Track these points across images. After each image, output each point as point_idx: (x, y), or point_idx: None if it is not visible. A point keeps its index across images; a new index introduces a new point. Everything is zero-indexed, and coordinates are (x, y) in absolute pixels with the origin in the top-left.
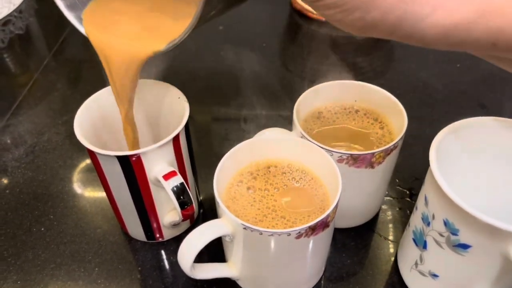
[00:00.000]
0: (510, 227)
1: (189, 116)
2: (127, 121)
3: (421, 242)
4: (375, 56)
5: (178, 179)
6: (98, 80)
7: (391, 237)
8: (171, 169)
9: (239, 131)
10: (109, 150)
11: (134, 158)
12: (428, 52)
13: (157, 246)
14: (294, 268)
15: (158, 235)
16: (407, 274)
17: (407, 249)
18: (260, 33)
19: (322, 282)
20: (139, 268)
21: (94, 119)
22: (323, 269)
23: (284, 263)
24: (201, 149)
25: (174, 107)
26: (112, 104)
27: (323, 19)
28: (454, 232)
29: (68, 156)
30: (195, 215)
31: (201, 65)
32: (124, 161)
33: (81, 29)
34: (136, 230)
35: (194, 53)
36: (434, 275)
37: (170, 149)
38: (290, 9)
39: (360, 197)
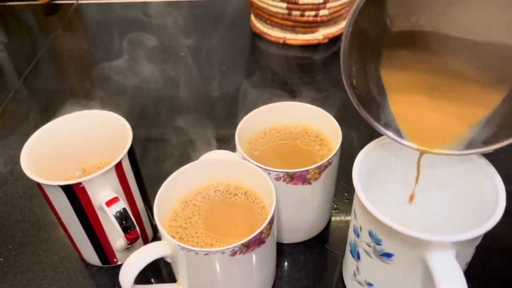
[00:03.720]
0: (422, 235)
1: (145, 140)
2: None
3: (355, 253)
4: (331, 74)
5: (120, 205)
6: (66, 109)
7: (338, 250)
8: (114, 195)
9: (194, 153)
10: (54, 180)
11: (78, 187)
12: None
13: (112, 270)
14: (239, 285)
15: (113, 259)
16: (349, 284)
17: (347, 261)
18: (221, 57)
19: None
20: None
21: (46, 150)
22: (272, 283)
23: (227, 280)
24: (155, 172)
25: (119, 135)
26: (64, 135)
27: (281, 40)
28: (378, 242)
29: (29, 186)
30: (150, 238)
31: (160, 91)
32: (68, 190)
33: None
34: (90, 255)
35: (154, 79)
36: (370, 284)
37: (114, 175)
38: (250, 33)
39: (303, 213)
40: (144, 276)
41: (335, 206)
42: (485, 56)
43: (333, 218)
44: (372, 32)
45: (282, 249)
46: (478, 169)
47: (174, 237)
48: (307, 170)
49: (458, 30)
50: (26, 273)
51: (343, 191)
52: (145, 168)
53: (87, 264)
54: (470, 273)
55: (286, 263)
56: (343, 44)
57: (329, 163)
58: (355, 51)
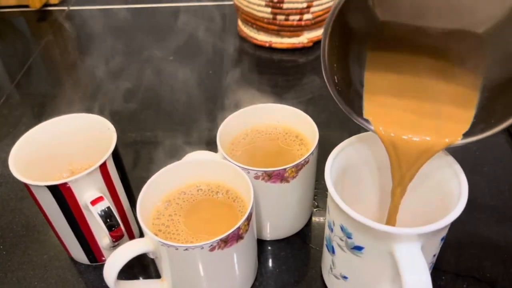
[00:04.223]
0: (387, 228)
1: (135, 143)
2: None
3: (330, 248)
4: (317, 77)
5: (104, 204)
6: (58, 113)
7: (318, 246)
8: (99, 194)
9: (181, 154)
10: (42, 181)
11: (64, 187)
12: None
13: (100, 268)
14: (220, 280)
15: (101, 257)
16: (327, 278)
17: (325, 255)
18: (209, 61)
19: None
20: None
21: (34, 152)
22: (253, 278)
23: (208, 275)
24: (142, 174)
25: (105, 137)
26: (51, 138)
27: (267, 44)
28: (349, 236)
29: (19, 188)
30: (136, 236)
31: (149, 95)
32: (54, 190)
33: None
34: (78, 254)
35: (143, 83)
36: (344, 277)
37: (99, 176)
38: (238, 37)
39: (283, 210)
40: (131, 273)
41: (316, 204)
42: (460, 48)
43: (314, 215)
44: (354, 29)
45: (264, 246)
46: (445, 166)
47: (157, 235)
48: (285, 169)
49: (436, 16)
50: (16, 272)
51: (324, 190)
52: (137, 170)
53: (75, 263)
54: (443, 266)
55: (267, 259)
56: (323, 42)
57: (306, 162)
58: (337, 48)
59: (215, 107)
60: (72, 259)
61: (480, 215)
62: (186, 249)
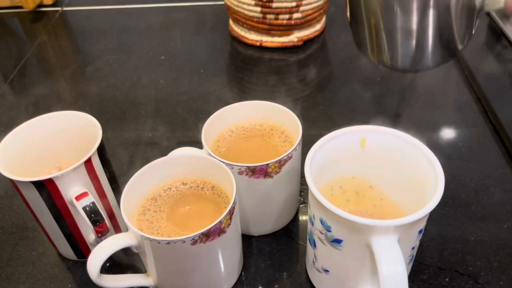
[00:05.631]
0: (362, 220)
1: (130, 143)
2: None
3: (312, 241)
4: (305, 75)
5: (89, 199)
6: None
7: (303, 241)
8: (83, 190)
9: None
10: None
11: (49, 183)
12: (352, 70)
13: None
14: (203, 274)
15: (88, 253)
16: (310, 272)
17: (308, 250)
18: (201, 60)
19: (236, 286)
20: (69, 285)
21: (21, 150)
22: (239, 273)
23: (191, 269)
24: (134, 170)
25: (91, 134)
26: (38, 136)
27: (257, 43)
28: (328, 229)
29: (10, 186)
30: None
31: (141, 94)
32: (39, 185)
33: None
34: (65, 250)
35: (136, 82)
36: (326, 271)
37: (84, 172)
38: (229, 36)
39: (268, 205)
40: (119, 269)
41: (302, 200)
42: None
43: (300, 211)
44: None
45: (250, 241)
46: (423, 160)
47: (141, 230)
48: (268, 164)
49: None
50: (5, 268)
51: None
52: (134, 169)
53: (63, 259)
54: (426, 260)
55: (253, 254)
56: None
57: (289, 157)
58: None
59: (206, 106)
60: (60, 255)
61: (464, 210)
62: (168, 243)
